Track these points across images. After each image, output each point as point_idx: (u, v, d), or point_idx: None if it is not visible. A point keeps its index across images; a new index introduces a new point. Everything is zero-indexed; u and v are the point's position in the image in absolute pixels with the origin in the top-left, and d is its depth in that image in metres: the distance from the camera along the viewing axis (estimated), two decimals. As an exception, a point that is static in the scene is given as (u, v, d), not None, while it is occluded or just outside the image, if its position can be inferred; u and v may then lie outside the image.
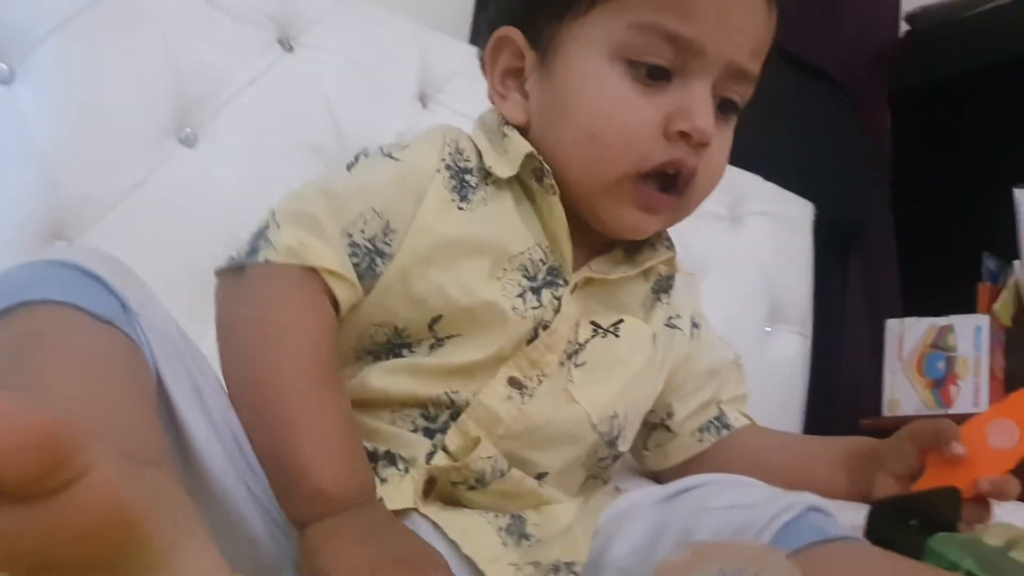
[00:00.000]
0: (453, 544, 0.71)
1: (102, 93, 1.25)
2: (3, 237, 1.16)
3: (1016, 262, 2.09)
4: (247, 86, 1.38)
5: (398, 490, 0.73)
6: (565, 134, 0.78)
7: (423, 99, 1.58)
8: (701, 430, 0.92)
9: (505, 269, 0.78)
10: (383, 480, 0.73)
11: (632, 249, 0.85)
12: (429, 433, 0.76)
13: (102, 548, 0.38)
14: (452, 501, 0.76)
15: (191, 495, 0.63)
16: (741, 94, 0.80)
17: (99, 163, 1.24)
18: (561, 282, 0.80)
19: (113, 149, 1.26)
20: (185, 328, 0.70)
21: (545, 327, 0.78)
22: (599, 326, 0.82)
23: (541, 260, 0.79)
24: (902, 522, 0.70)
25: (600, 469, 0.83)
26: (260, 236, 0.77)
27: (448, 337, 0.77)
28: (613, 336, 0.82)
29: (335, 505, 0.64)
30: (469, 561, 0.71)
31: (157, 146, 1.30)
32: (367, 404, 0.76)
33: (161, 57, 1.30)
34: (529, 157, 0.78)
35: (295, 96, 1.42)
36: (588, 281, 0.81)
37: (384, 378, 0.76)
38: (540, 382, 0.78)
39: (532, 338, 0.78)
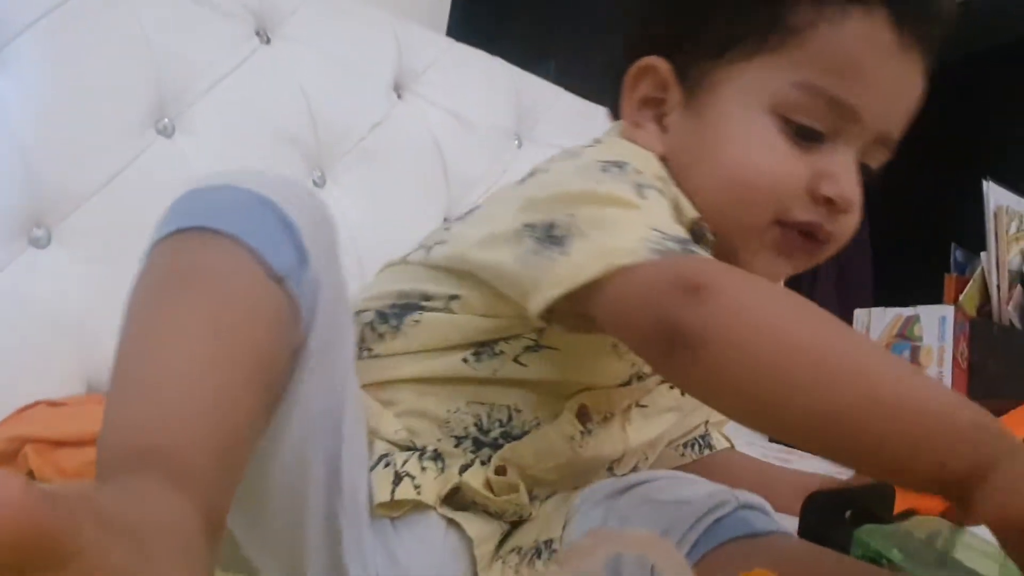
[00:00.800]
0: (464, 541, 0.73)
1: (81, 84, 1.27)
2: (-17, 224, 1.19)
3: (983, 253, 2.13)
4: (224, 77, 1.41)
5: (433, 484, 0.73)
6: (710, 179, 0.75)
7: (399, 90, 1.61)
8: (686, 446, 0.95)
9: None
10: (423, 469, 0.74)
11: None
12: (478, 444, 0.76)
13: None
14: (466, 508, 0.76)
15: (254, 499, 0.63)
16: (879, 162, 0.78)
17: (78, 153, 1.27)
18: None
19: (92, 139, 1.28)
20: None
21: (640, 378, 0.79)
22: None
23: None
24: (835, 515, 0.73)
25: None
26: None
27: (547, 347, 0.75)
28: (679, 391, 0.83)
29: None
30: (462, 554, 0.73)
31: (135, 136, 1.32)
32: (433, 382, 0.76)
33: (140, 48, 1.32)
34: (696, 222, 0.75)
35: (272, 87, 1.45)
36: None
37: (463, 367, 0.76)
38: (605, 418, 0.79)
39: (624, 384, 0.78)
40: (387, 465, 0.73)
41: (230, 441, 0.52)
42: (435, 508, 0.73)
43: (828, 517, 0.73)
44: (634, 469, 0.84)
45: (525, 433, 0.77)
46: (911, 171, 2.49)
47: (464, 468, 0.76)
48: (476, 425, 0.76)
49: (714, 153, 0.75)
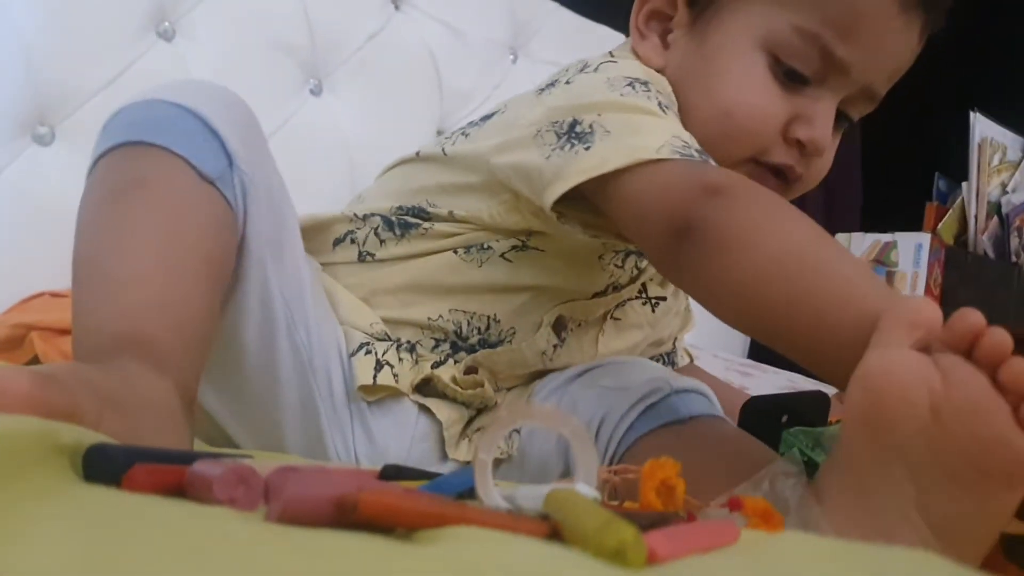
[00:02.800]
0: (435, 424, 0.79)
1: (84, -14, 1.31)
2: (-12, 121, 1.24)
3: (964, 184, 2.17)
4: (224, -18, 1.44)
5: (405, 375, 0.79)
6: (699, 105, 0.78)
7: (396, 1, 1.64)
8: (653, 359, 0.98)
9: None
10: (400, 360, 0.79)
11: None
12: (455, 348, 0.82)
13: None
14: (438, 393, 0.82)
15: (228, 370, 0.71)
16: (860, 113, 0.81)
17: (81, 54, 1.31)
18: (644, 256, 0.84)
19: (95, 41, 1.32)
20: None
21: (616, 288, 0.84)
22: (646, 291, 0.87)
23: None
24: (771, 419, 0.79)
25: None
26: None
27: (534, 248, 0.80)
28: (651, 308, 0.88)
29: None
30: (432, 436, 0.80)
31: (136, 39, 1.36)
32: (419, 291, 0.82)
33: (141, -49, 1.35)
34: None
35: (271, -6, 1.48)
36: None
37: (453, 274, 0.81)
38: (579, 325, 0.83)
39: (599, 293, 0.83)
40: (368, 352, 0.78)
41: (191, 328, 0.60)
42: (408, 395, 0.79)
43: (764, 420, 0.78)
44: None
45: (501, 342, 0.82)
46: (900, 101, 2.52)
47: (437, 364, 0.82)
48: (456, 332, 0.82)
49: (707, 81, 0.78)
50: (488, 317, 0.81)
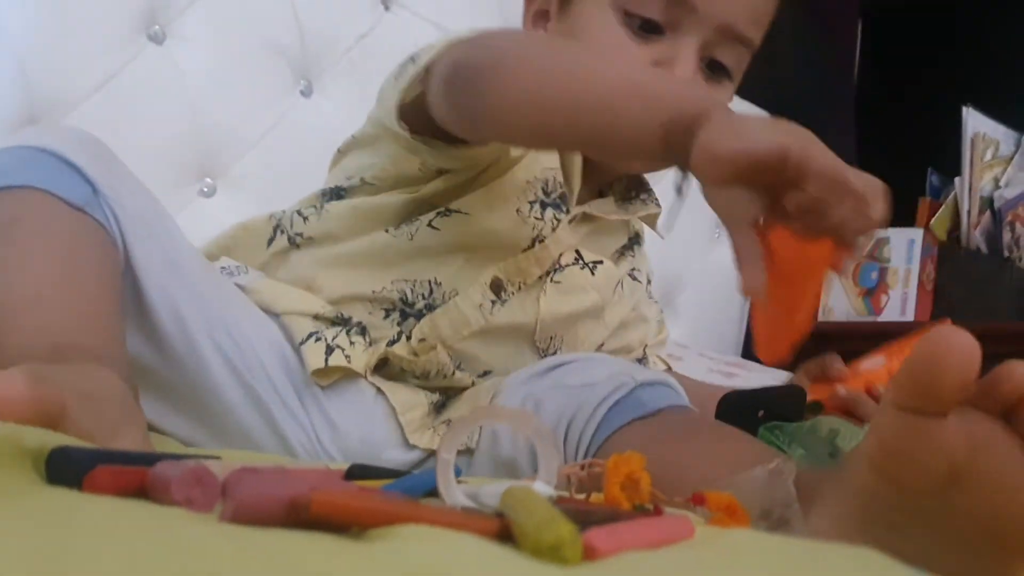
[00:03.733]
0: (392, 409, 0.82)
1: (74, -10, 1.32)
2: (-19, 127, 1.25)
3: (957, 179, 2.18)
4: (214, -15, 1.44)
5: (361, 356, 0.82)
6: None
7: (385, 2, 1.64)
8: None
9: (536, 176, 0.86)
10: (352, 343, 0.82)
11: (624, 199, 0.94)
12: (404, 315, 0.85)
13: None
14: (396, 376, 0.85)
15: (155, 366, 0.75)
16: (733, 59, 0.83)
17: (72, 60, 1.32)
18: (564, 209, 0.87)
19: (86, 45, 1.33)
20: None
21: (540, 240, 0.86)
22: (582, 257, 0.89)
23: (560, 184, 0.87)
24: (748, 414, 0.80)
25: None
26: None
27: (457, 212, 0.84)
28: (590, 271, 0.90)
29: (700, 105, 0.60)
30: (392, 418, 0.82)
31: (127, 43, 1.37)
32: (359, 266, 0.86)
33: (131, -45, 1.36)
34: None
35: (261, -4, 1.49)
36: (585, 217, 0.90)
37: (387, 250, 0.85)
38: (520, 288, 0.86)
39: (527, 248, 0.86)
40: (318, 340, 0.81)
41: (108, 332, 0.66)
42: (365, 376, 0.82)
43: (740, 415, 0.79)
44: (556, 349, 0.90)
45: (446, 304, 0.85)
46: (893, 95, 2.53)
47: (391, 343, 0.84)
48: (402, 299, 0.85)
49: None
50: (429, 282, 0.85)
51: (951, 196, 2.18)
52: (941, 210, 2.17)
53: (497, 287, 0.85)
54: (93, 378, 0.56)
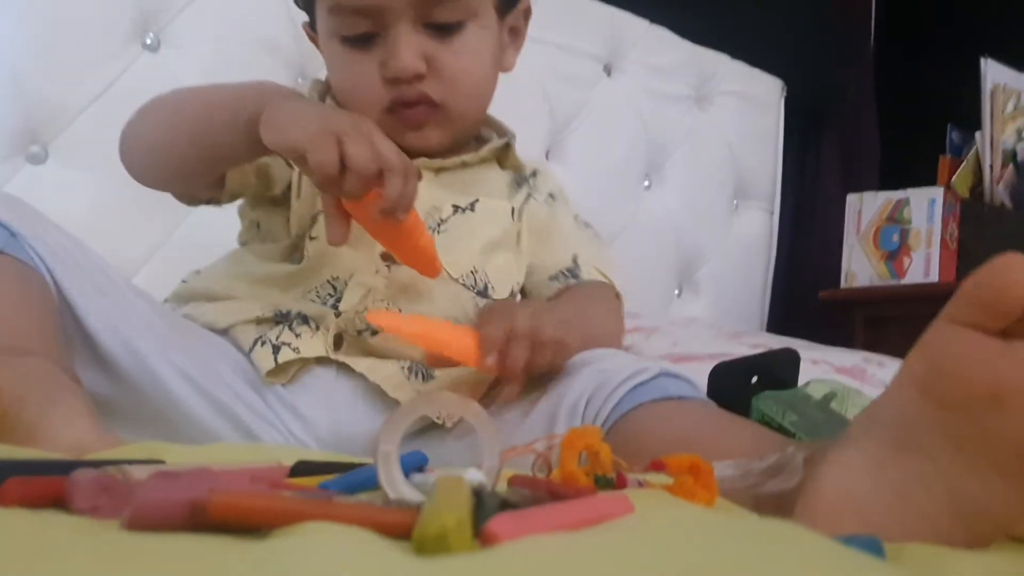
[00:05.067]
0: (358, 382, 0.84)
1: (66, 3, 1.32)
2: (-19, 144, 1.27)
3: (978, 133, 2.13)
4: (206, -11, 1.45)
5: (311, 342, 0.85)
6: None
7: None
8: (551, 278, 1.02)
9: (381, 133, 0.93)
10: (297, 335, 0.85)
11: (473, 148, 0.99)
12: (336, 301, 0.88)
13: None
14: (363, 353, 0.87)
15: (112, 394, 0.77)
16: (451, 11, 0.89)
17: (67, 72, 1.33)
18: None
19: (81, 57, 1.34)
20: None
21: None
22: (458, 206, 0.95)
23: None
24: (741, 382, 0.79)
25: None
26: None
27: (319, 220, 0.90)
28: (470, 211, 0.95)
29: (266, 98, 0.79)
30: (372, 397, 0.84)
31: (121, 52, 1.38)
32: (281, 284, 0.90)
33: (120, -35, 1.37)
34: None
35: (252, -3, 1.49)
36: (439, 172, 0.95)
37: (289, 273, 0.90)
38: None
39: None
40: (263, 344, 0.85)
41: (46, 342, 0.70)
42: (327, 356, 0.85)
43: (733, 383, 0.78)
44: (484, 284, 0.94)
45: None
46: (911, 52, 2.48)
47: (336, 315, 0.87)
48: (320, 301, 0.88)
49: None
50: (329, 281, 0.89)
51: (972, 151, 2.13)
52: (962, 166, 2.12)
53: (387, 256, 0.89)
54: (20, 354, 0.59)
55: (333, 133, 0.72)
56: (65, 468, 0.35)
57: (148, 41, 1.41)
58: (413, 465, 0.46)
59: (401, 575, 0.23)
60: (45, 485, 0.34)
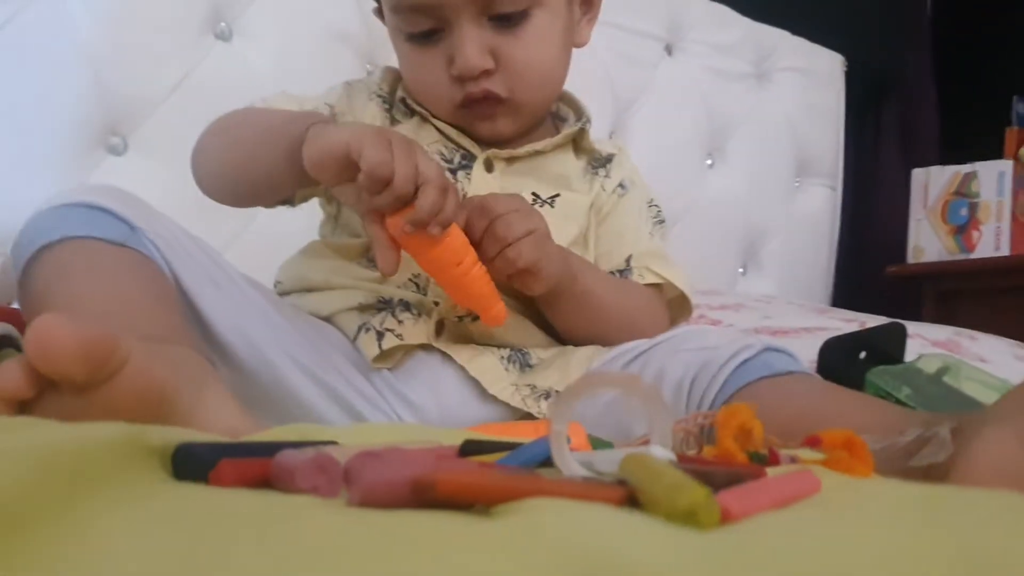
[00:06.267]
0: (461, 369, 0.85)
1: (142, -2, 1.34)
2: (66, 136, 1.28)
3: (1045, 105, 2.10)
4: (276, -22, 1.46)
5: (414, 329, 0.86)
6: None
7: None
8: None
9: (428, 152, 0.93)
10: (400, 322, 0.86)
11: (547, 133, 0.98)
12: (423, 292, 0.89)
13: (144, 414, 0.50)
14: (460, 340, 0.88)
15: (212, 361, 0.77)
16: (513, 2, 0.87)
17: (144, 63, 1.34)
18: (471, 163, 0.94)
19: (157, 49, 1.35)
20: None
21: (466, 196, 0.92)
22: (539, 196, 0.94)
23: (455, 148, 0.94)
24: (850, 356, 0.79)
25: None
26: None
27: None
28: (550, 206, 0.93)
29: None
30: (476, 385, 0.84)
31: (196, 43, 1.39)
32: (371, 279, 0.90)
33: (193, -44, 1.38)
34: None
35: (322, -15, 1.49)
36: (511, 160, 0.94)
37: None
38: None
39: None
40: (368, 331, 0.86)
41: (178, 332, 0.70)
42: (431, 343, 0.86)
43: (844, 358, 0.78)
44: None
45: None
46: (969, 24, 2.44)
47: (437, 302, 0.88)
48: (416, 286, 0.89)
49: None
50: (410, 279, 0.89)
51: (1040, 123, 2.10)
52: (1030, 138, 2.09)
53: None
54: (167, 343, 0.60)
55: (386, 137, 0.72)
56: (269, 450, 0.36)
57: (220, 31, 1.42)
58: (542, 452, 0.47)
59: (694, 548, 0.23)
60: (254, 466, 0.35)
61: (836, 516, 0.30)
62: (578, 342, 0.91)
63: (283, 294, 0.94)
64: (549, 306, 0.90)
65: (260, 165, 0.84)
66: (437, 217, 0.72)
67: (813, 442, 0.48)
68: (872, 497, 0.35)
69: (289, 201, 0.94)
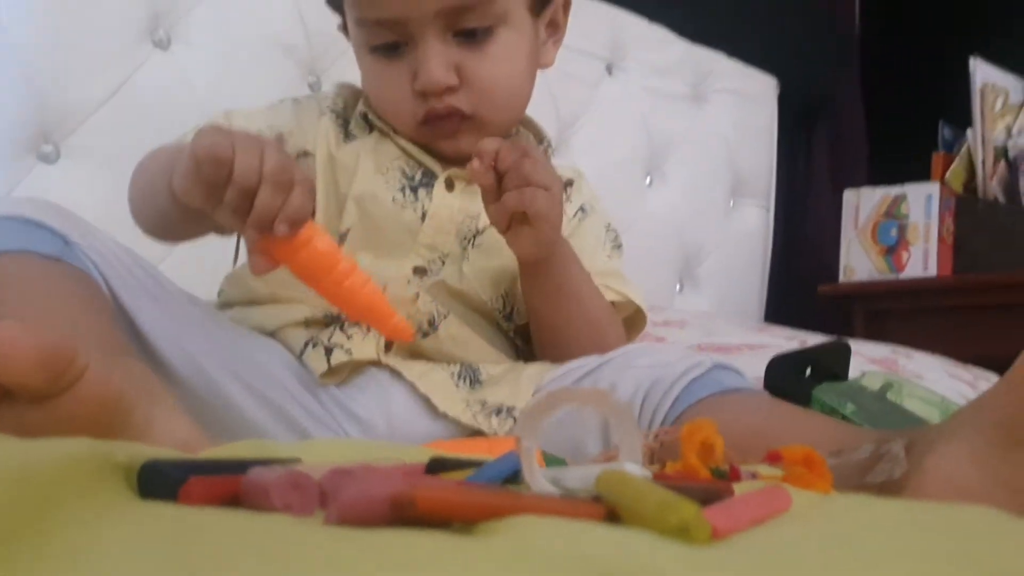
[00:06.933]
0: (411, 385, 0.84)
1: (78, 2, 1.31)
2: (-5, 144, 1.25)
3: (969, 130, 2.16)
4: (216, -13, 1.43)
5: (363, 344, 0.84)
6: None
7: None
8: None
9: (388, 168, 0.92)
10: (349, 337, 0.85)
11: None
12: None
13: (99, 426, 0.49)
14: (411, 355, 0.87)
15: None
16: (480, 17, 0.87)
17: (80, 70, 1.31)
18: (432, 181, 0.92)
19: (92, 55, 1.32)
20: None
21: (426, 215, 0.91)
22: None
23: (416, 166, 0.93)
24: (796, 373, 0.80)
25: (513, 341, 0.96)
26: None
27: (346, 232, 0.90)
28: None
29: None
30: (426, 401, 0.84)
31: (133, 50, 1.36)
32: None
33: (131, -38, 1.35)
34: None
35: (263, -5, 1.48)
36: (472, 180, 0.91)
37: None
38: (443, 263, 0.90)
39: (420, 226, 0.90)
40: (315, 346, 0.84)
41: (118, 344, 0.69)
42: (379, 359, 0.84)
43: (789, 375, 0.80)
44: (511, 307, 0.93)
45: None
46: (897, 50, 2.51)
47: None
48: None
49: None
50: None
51: (964, 148, 2.17)
52: (955, 162, 2.15)
53: (420, 273, 0.89)
54: (115, 355, 0.58)
55: (229, 136, 0.68)
56: (236, 468, 0.35)
57: (159, 39, 1.39)
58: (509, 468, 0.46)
59: (697, 558, 0.23)
60: (224, 484, 0.34)
61: (822, 532, 0.30)
62: (542, 339, 0.91)
63: (226, 305, 0.92)
64: (532, 278, 0.89)
65: (158, 206, 0.81)
66: (281, 215, 0.67)
67: (774, 458, 0.49)
68: (843, 512, 0.35)
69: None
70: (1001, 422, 0.49)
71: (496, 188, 0.81)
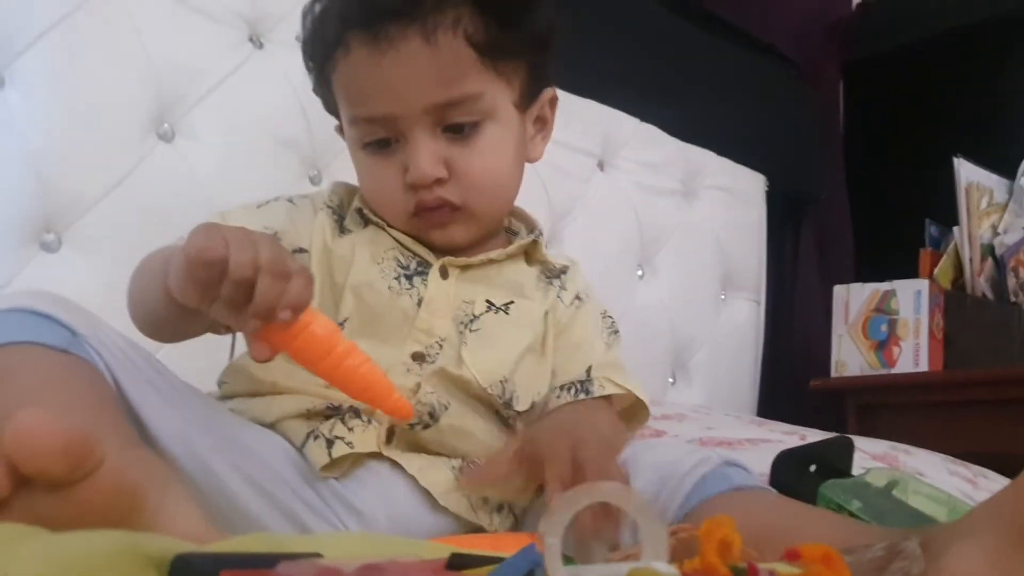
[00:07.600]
0: (412, 478, 0.84)
1: (85, 95, 1.33)
2: (-1, 231, 1.26)
3: (955, 228, 2.20)
4: (221, 82, 1.46)
5: (364, 436, 0.84)
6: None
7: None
8: (562, 388, 0.98)
9: (383, 257, 0.94)
10: (350, 429, 0.84)
11: (500, 244, 0.99)
12: None
13: (114, 515, 0.49)
14: (412, 448, 0.87)
15: None
16: (467, 113, 0.90)
17: (85, 160, 1.32)
18: (427, 270, 0.94)
19: (97, 147, 1.34)
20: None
21: (422, 301, 0.92)
22: (492, 303, 0.94)
23: (411, 256, 0.95)
24: (801, 469, 0.81)
25: (514, 428, 0.95)
26: None
27: (345, 320, 0.90)
28: (504, 313, 0.94)
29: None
30: (427, 495, 0.83)
31: (138, 142, 1.38)
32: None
33: (138, 58, 1.38)
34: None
35: (267, 91, 1.50)
36: (466, 267, 0.95)
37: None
38: (440, 348, 0.90)
39: (416, 313, 0.91)
40: (316, 438, 0.84)
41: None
42: (379, 451, 0.84)
43: (795, 471, 0.80)
44: (510, 394, 0.92)
45: None
46: (883, 151, 2.57)
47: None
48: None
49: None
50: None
51: (951, 245, 2.20)
52: (943, 260, 2.19)
53: (419, 359, 0.89)
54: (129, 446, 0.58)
55: (221, 233, 0.69)
56: (266, 562, 0.35)
57: (163, 132, 1.41)
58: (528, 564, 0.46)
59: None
60: (255, 577, 0.34)
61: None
62: None
63: (227, 396, 0.92)
64: None
65: (154, 308, 0.81)
66: (280, 302, 0.68)
67: (792, 556, 0.49)
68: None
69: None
70: (1015, 523, 0.50)
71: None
